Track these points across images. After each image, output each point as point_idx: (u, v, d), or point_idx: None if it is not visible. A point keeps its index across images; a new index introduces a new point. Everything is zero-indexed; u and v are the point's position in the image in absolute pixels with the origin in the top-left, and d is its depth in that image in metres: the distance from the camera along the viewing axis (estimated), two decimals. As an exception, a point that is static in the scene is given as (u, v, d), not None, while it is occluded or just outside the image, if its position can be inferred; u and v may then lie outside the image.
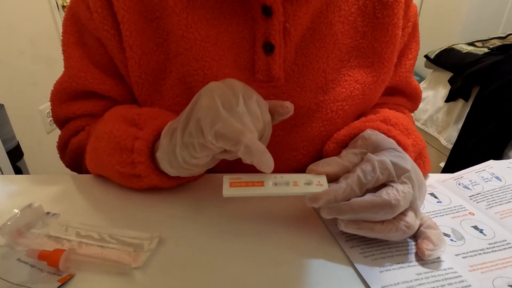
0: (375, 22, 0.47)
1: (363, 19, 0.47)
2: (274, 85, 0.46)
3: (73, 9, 0.47)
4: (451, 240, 0.38)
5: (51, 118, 1.71)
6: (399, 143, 0.42)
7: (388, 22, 0.47)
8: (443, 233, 0.39)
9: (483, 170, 0.50)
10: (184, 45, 0.43)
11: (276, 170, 0.49)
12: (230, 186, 0.35)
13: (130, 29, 0.43)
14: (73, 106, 0.50)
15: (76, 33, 0.48)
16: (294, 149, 0.48)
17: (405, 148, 0.43)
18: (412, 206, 0.36)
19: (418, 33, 0.53)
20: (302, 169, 0.49)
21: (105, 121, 0.44)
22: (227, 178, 0.36)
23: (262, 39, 0.44)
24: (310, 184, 0.36)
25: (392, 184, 0.35)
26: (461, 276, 0.33)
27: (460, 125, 1.52)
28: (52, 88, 0.51)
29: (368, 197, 0.34)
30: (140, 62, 0.44)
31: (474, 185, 0.47)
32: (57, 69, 0.51)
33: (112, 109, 0.46)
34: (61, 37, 0.49)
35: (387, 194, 0.34)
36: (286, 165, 0.49)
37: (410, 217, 0.35)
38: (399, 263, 0.35)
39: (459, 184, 0.48)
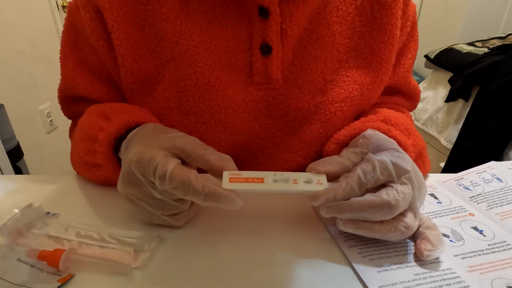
0: (373, 22, 0.47)
1: (361, 19, 0.47)
2: (272, 87, 0.46)
3: (69, 17, 0.48)
4: (451, 240, 0.38)
5: (51, 118, 1.72)
6: (399, 143, 0.42)
7: (386, 22, 0.46)
8: (443, 233, 0.39)
9: (484, 171, 0.50)
10: (178, 51, 0.43)
11: (274, 171, 0.49)
12: (230, 182, 0.35)
13: (120, 38, 0.43)
14: (75, 107, 0.52)
15: (72, 39, 0.49)
16: (293, 151, 0.48)
17: (405, 148, 0.43)
18: (412, 207, 0.36)
19: (417, 33, 0.53)
20: (300, 171, 0.49)
21: (84, 115, 0.47)
22: (227, 173, 0.36)
23: (260, 41, 0.44)
24: (310, 182, 0.36)
25: (392, 184, 0.35)
26: (459, 276, 0.33)
27: (460, 125, 1.52)
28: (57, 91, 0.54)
29: (368, 197, 0.34)
30: (132, 70, 0.44)
31: (475, 186, 0.47)
32: (57, 69, 0.52)
33: (94, 105, 0.48)
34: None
35: (386, 194, 0.34)
36: (285, 167, 0.49)
37: (409, 218, 0.35)
38: (397, 263, 0.35)
39: (460, 185, 0.48)
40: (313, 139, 0.48)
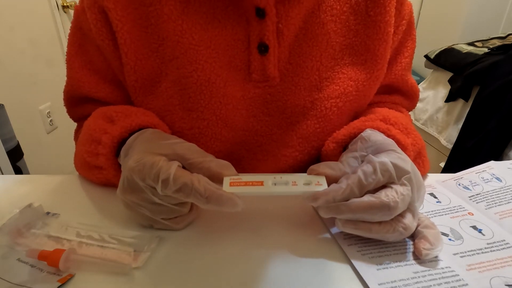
0: (367, 20, 0.47)
1: (356, 17, 0.47)
2: (270, 84, 0.46)
3: (76, 20, 0.49)
4: (450, 239, 0.38)
5: (51, 118, 1.72)
6: (398, 142, 0.43)
7: (380, 20, 0.47)
8: (442, 232, 0.39)
9: (483, 171, 0.50)
10: (179, 50, 0.44)
11: (273, 167, 0.50)
12: (230, 186, 0.35)
13: (124, 37, 0.44)
14: (80, 109, 0.53)
15: (78, 41, 0.50)
16: (290, 146, 0.49)
17: (404, 148, 0.43)
18: (410, 208, 0.36)
19: (414, 31, 0.53)
20: (298, 166, 0.50)
21: (90, 117, 0.48)
22: (227, 178, 0.36)
23: (257, 40, 0.44)
24: (309, 184, 0.36)
25: (391, 185, 0.35)
26: (458, 275, 0.33)
27: (460, 125, 1.52)
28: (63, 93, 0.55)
29: (367, 198, 0.34)
30: (135, 68, 0.45)
31: (474, 185, 0.47)
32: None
33: (99, 108, 0.49)
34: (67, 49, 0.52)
35: (386, 196, 0.34)
36: (283, 162, 0.49)
37: (407, 219, 0.35)
38: (396, 262, 0.35)
39: (459, 185, 0.48)
40: (310, 135, 0.48)
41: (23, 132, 1.39)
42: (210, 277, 0.34)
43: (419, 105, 1.77)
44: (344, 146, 0.46)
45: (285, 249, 0.37)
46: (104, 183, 0.47)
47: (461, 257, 0.36)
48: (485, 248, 0.37)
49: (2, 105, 1.21)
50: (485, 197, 0.45)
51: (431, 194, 0.47)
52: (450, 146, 1.58)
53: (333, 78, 0.47)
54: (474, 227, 0.40)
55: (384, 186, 0.36)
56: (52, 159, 1.69)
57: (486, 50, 1.57)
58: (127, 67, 0.45)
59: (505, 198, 0.44)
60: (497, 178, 0.48)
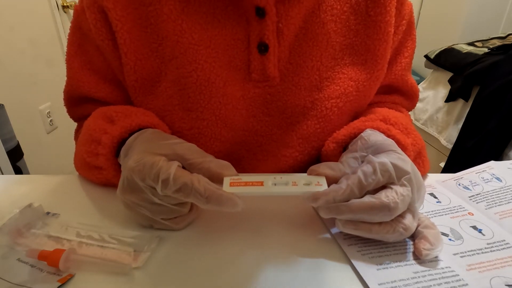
0: (367, 20, 0.47)
1: (356, 17, 0.48)
2: (270, 84, 0.46)
3: (76, 20, 0.49)
4: (450, 239, 0.38)
5: (51, 118, 1.72)
6: (398, 142, 0.43)
7: (381, 20, 0.47)
8: (442, 232, 0.39)
9: (483, 171, 0.50)
10: (179, 49, 0.44)
11: (273, 167, 0.50)
12: (230, 186, 0.36)
13: (124, 37, 0.44)
14: (80, 109, 0.54)
15: (77, 41, 0.50)
16: (290, 147, 0.49)
17: (404, 148, 0.43)
18: (410, 208, 0.36)
19: (414, 31, 0.53)
20: (298, 166, 0.50)
21: (90, 117, 0.48)
22: (227, 179, 0.36)
23: (257, 40, 0.44)
24: (310, 184, 0.36)
25: (391, 186, 0.35)
26: (458, 275, 0.33)
27: (460, 125, 1.52)
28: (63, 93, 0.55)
29: (367, 198, 0.34)
30: (135, 68, 0.45)
31: (474, 185, 0.47)
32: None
33: (99, 108, 0.49)
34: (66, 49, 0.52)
35: (386, 196, 0.34)
36: (283, 162, 0.49)
37: (407, 219, 0.35)
38: (396, 262, 0.35)
39: (459, 185, 0.48)
40: (310, 135, 0.48)
41: (23, 132, 1.39)
42: (210, 277, 0.34)
43: (419, 105, 1.77)
44: (344, 146, 0.46)
45: (285, 250, 0.37)
46: (104, 183, 0.47)
47: (461, 257, 0.36)
48: (485, 248, 0.37)
49: (2, 105, 1.21)
50: (485, 197, 0.45)
51: (431, 194, 0.47)
52: (450, 146, 1.58)
53: (333, 78, 0.47)
54: (474, 227, 0.40)
55: (384, 187, 0.36)
56: (52, 159, 1.70)
57: (486, 50, 1.57)
58: (127, 67, 0.45)
59: (505, 198, 0.44)
60: (497, 178, 0.48)
